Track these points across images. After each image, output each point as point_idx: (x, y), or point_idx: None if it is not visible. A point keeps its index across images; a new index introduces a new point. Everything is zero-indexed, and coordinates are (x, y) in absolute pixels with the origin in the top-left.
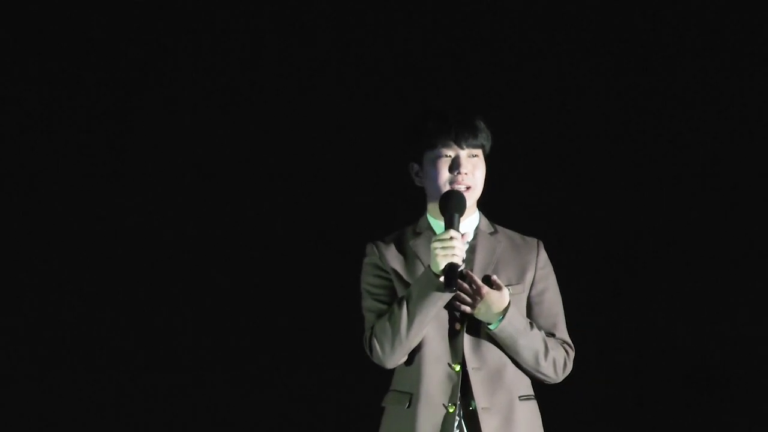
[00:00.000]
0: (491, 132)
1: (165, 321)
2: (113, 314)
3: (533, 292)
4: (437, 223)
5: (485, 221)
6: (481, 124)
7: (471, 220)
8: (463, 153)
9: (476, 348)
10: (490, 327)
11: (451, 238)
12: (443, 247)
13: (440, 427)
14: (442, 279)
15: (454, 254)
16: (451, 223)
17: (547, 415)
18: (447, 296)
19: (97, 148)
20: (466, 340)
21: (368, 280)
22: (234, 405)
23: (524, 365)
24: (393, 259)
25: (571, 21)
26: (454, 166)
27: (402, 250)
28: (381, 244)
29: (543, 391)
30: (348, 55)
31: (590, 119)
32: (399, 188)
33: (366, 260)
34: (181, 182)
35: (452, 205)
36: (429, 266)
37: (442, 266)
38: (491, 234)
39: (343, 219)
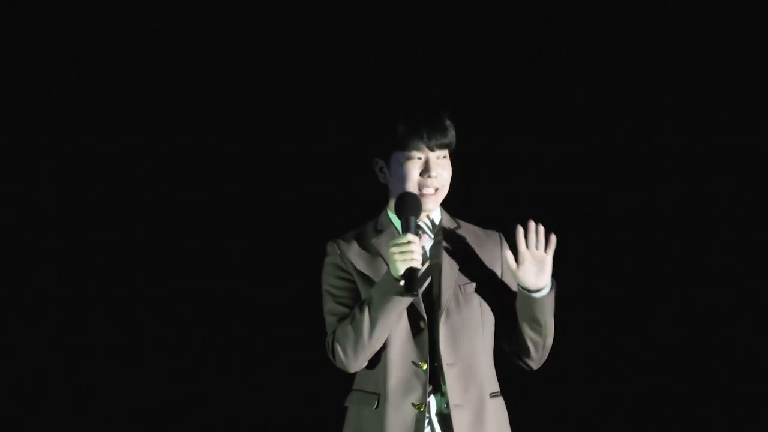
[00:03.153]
0: (455, 126)
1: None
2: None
3: (501, 287)
4: (399, 221)
5: (447, 216)
6: (449, 122)
7: (434, 215)
8: (433, 155)
9: (451, 343)
10: (540, 293)
11: (409, 242)
12: (402, 252)
13: (411, 426)
14: (402, 283)
15: (413, 258)
16: (407, 227)
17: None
18: (408, 300)
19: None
20: (442, 335)
21: (330, 282)
22: (189, 404)
23: (534, 340)
24: (355, 257)
25: (533, 19)
26: (425, 169)
27: (364, 248)
28: (342, 243)
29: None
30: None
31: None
32: (354, 183)
33: (327, 260)
34: (143, 182)
35: (408, 208)
36: (388, 270)
37: (401, 271)
38: (454, 229)
39: (302, 213)
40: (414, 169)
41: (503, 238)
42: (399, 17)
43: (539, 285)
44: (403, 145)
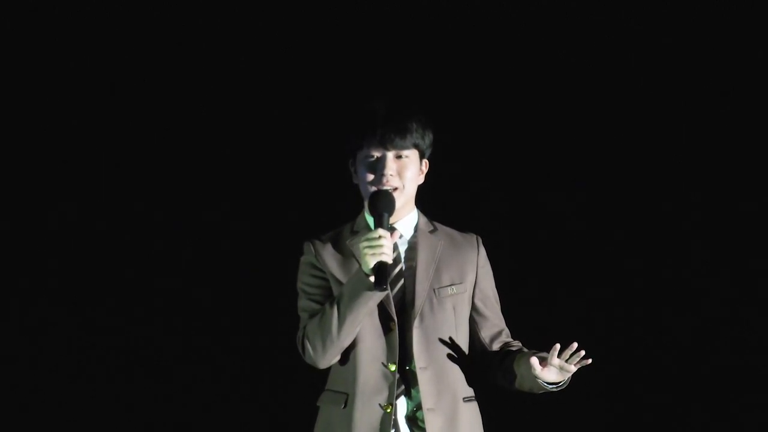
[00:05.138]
0: (431, 129)
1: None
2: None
3: (478, 292)
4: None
5: (424, 219)
6: (414, 124)
7: (409, 218)
8: (390, 154)
9: (424, 347)
10: (554, 386)
11: (380, 236)
12: (371, 246)
13: (377, 427)
14: (372, 278)
15: (383, 253)
16: (380, 223)
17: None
18: (378, 296)
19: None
20: (415, 339)
21: (304, 280)
22: (164, 405)
23: (507, 385)
24: (329, 257)
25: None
26: (379, 168)
27: (339, 248)
28: (317, 242)
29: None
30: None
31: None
32: (342, 183)
33: (303, 259)
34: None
35: (381, 205)
36: (360, 266)
37: (371, 265)
38: (431, 232)
39: (284, 215)
40: (370, 167)
41: (480, 240)
42: (391, 16)
43: (556, 381)
44: (361, 145)
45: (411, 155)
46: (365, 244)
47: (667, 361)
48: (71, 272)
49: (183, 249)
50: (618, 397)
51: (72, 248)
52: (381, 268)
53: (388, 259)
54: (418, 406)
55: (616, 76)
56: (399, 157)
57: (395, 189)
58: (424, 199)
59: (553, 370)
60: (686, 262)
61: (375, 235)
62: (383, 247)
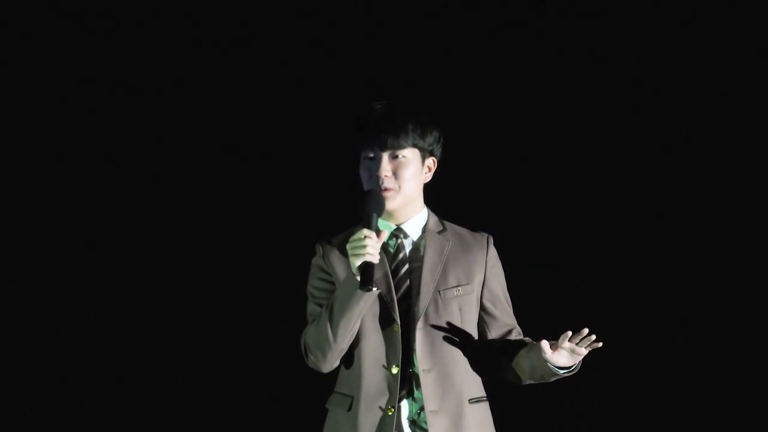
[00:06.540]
0: (435, 128)
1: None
2: None
3: (486, 292)
4: (385, 223)
5: (434, 219)
6: (410, 124)
7: (417, 219)
8: (384, 155)
9: (428, 349)
10: (564, 370)
11: (365, 237)
12: (355, 247)
13: (380, 430)
14: (359, 278)
15: (366, 253)
16: (368, 223)
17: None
18: (369, 296)
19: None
20: (418, 341)
21: (312, 283)
22: (172, 407)
23: (517, 380)
24: (336, 260)
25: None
26: (374, 168)
27: (346, 251)
28: (327, 245)
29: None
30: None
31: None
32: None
33: (313, 261)
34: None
35: (370, 205)
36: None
37: (356, 265)
38: (439, 232)
39: (300, 216)
40: (366, 169)
41: (491, 240)
42: (398, 17)
43: (567, 365)
44: (360, 146)
45: (409, 155)
46: (351, 245)
47: (678, 363)
48: (75, 271)
49: (190, 249)
50: (627, 399)
51: (74, 247)
52: (366, 268)
53: (374, 259)
54: (422, 409)
55: (616, 76)
56: (395, 157)
57: (390, 190)
58: (432, 197)
59: (564, 353)
60: (689, 260)
61: (360, 235)
62: (367, 247)
